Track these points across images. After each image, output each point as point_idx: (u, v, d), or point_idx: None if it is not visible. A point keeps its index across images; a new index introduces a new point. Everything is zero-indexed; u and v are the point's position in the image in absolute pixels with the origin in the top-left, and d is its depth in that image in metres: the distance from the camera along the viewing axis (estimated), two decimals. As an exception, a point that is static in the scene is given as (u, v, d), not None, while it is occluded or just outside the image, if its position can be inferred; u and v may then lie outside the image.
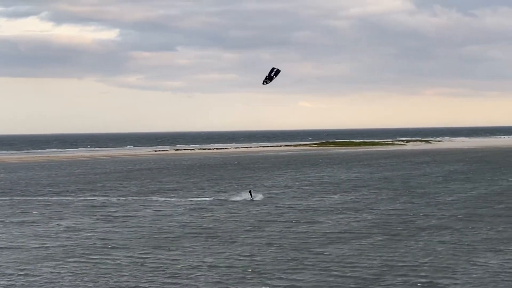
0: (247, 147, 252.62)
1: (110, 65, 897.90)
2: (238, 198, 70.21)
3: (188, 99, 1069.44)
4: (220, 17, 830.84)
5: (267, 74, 57.17)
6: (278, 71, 57.20)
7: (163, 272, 36.73)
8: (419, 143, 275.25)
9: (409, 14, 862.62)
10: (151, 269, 37.72)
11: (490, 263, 36.94)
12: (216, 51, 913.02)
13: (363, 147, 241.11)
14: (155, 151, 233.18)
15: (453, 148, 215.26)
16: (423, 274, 34.86)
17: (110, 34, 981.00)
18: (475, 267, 36.16)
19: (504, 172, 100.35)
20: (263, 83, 58.22)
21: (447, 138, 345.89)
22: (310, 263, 38.16)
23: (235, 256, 40.58)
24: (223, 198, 73.00)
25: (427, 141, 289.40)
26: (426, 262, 37.54)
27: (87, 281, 35.23)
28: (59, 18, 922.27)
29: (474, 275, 34.34)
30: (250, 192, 70.18)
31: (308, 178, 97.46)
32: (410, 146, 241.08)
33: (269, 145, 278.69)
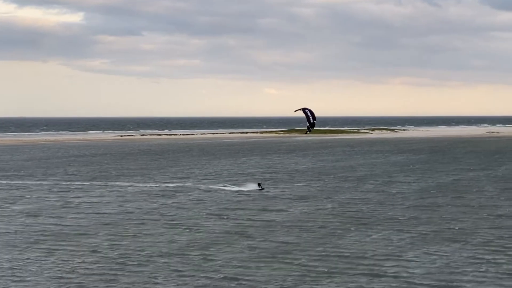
0: (213, 133, 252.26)
1: (74, 49, 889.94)
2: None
3: (154, 85, 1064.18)
4: (186, 2, 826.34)
5: (307, 124, 55.92)
6: (313, 114, 56.01)
7: (125, 259, 36.67)
8: (384, 131, 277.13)
9: (374, 2, 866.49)
10: (112, 256, 37.64)
11: (443, 252, 37.44)
12: (182, 37, 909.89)
13: (329, 135, 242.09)
14: (121, 136, 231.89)
15: (417, 137, 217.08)
16: (374, 263, 35.23)
17: (74, 18, 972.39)
18: (428, 255, 36.63)
19: (463, 162, 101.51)
20: (307, 132, 58.22)
21: (412, 127, 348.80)
22: (264, 251, 38.36)
23: (193, 244, 40.62)
24: (187, 184, 72.96)
25: (392, 130, 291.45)
26: (378, 251, 37.93)
27: (47, 268, 35.05)
28: (21, 0, 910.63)
29: (427, 265, 34.80)
30: (259, 184, 69.24)
31: (273, 166, 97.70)
32: (376, 135, 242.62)
33: (235, 131, 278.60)
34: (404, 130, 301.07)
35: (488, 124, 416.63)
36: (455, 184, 72.08)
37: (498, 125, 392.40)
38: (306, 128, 55.21)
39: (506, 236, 42.20)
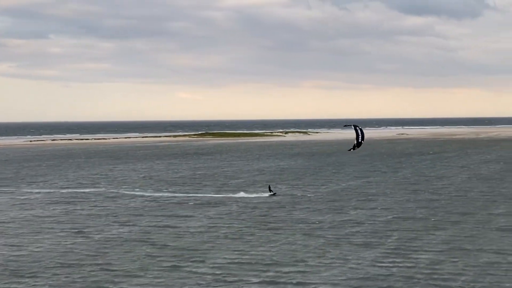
0: (125, 138, 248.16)
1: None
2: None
3: (64, 89, 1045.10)
4: (95, 5, 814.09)
5: (355, 142, 53.95)
6: (362, 134, 54.16)
7: (19, 269, 34.45)
8: (297, 134, 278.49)
9: (284, 6, 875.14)
10: (7, 265, 35.35)
11: (352, 257, 36.66)
12: (91, 40, 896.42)
13: (242, 138, 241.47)
14: (30, 141, 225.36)
15: (329, 139, 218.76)
16: (279, 269, 34.11)
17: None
18: (334, 260, 35.74)
19: (371, 165, 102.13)
20: (350, 150, 56.38)
21: (324, 130, 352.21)
22: (165, 258, 36.77)
23: (91, 252, 38.64)
24: (93, 190, 70.54)
25: (305, 133, 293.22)
26: (284, 257, 36.86)
27: None
28: None
29: (332, 270, 33.88)
30: (269, 188, 67.03)
31: (182, 169, 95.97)
32: (289, 137, 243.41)
33: (148, 135, 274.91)
34: (317, 132, 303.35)
35: (399, 126, 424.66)
36: (362, 187, 72.01)
37: (407, 127, 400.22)
38: (353, 146, 53.78)
39: (412, 237, 41.81)
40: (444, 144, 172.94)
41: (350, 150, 57.16)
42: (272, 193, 65.10)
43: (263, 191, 66.77)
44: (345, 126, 61.14)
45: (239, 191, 68.22)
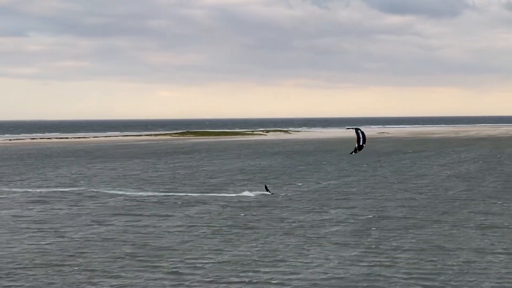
0: (105, 136, 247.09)
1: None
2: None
3: (43, 87, 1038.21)
4: (74, 3, 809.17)
5: (355, 145, 53.55)
6: (364, 137, 53.85)
7: (-13, 272, 34.06)
8: (278, 133, 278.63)
9: (265, 5, 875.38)
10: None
11: (332, 256, 36.61)
12: (71, 38, 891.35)
13: (223, 136, 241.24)
14: (9, 140, 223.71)
15: (310, 138, 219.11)
16: (256, 269, 33.98)
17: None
18: (313, 259, 35.68)
19: (351, 163, 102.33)
20: (352, 153, 56.05)
21: (305, 129, 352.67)
22: (140, 257, 36.52)
23: (66, 253, 38.31)
24: (65, 189, 70.04)
25: (286, 131, 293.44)
26: (262, 257, 36.74)
27: None
28: None
29: (310, 269, 33.81)
30: (266, 187, 66.35)
31: (163, 168, 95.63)
32: (270, 136, 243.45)
33: (128, 134, 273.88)
34: (298, 131, 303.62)
35: (380, 125, 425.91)
36: (343, 185, 72.06)
37: (387, 126, 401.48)
38: (354, 149, 53.48)
39: (391, 236, 41.82)
40: (423, 143, 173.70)
41: (351, 153, 57.25)
42: (269, 193, 64.38)
43: (245, 190, 66.62)
44: (348, 128, 61.25)
45: (220, 190, 68.04)
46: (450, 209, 53.23)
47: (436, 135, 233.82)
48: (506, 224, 46.10)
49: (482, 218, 48.59)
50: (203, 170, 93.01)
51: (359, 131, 53.27)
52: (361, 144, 52.83)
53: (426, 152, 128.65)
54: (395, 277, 31.98)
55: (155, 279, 32.05)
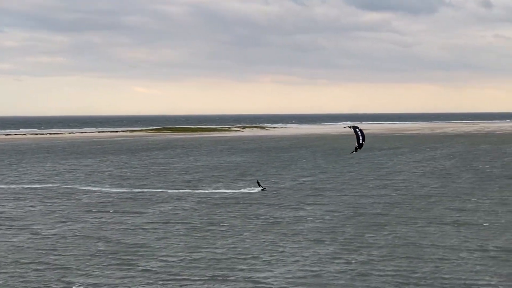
0: (81, 133, 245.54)
1: None
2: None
3: (16, 82, 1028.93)
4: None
5: (356, 144, 53.09)
6: (363, 135, 53.41)
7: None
8: (255, 129, 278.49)
9: (241, 1, 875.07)
10: None
11: (304, 252, 36.47)
12: (45, 34, 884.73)
13: (200, 133, 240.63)
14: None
15: (287, 134, 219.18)
16: (233, 265, 33.74)
17: None
18: (283, 256, 35.50)
19: (332, 158, 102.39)
20: (352, 152, 55.68)
21: (281, 125, 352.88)
22: (112, 255, 36.15)
23: (39, 250, 37.83)
24: (38, 186, 69.37)
25: (263, 128, 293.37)
26: (234, 254, 36.52)
27: None
28: None
29: (282, 266, 33.64)
30: (258, 183, 66.06)
31: (138, 165, 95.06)
32: (247, 132, 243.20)
33: (104, 130, 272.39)
34: (274, 128, 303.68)
35: (356, 122, 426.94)
36: (318, 182, 72.05)
37: (364, 123, 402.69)
38: (354, 148, 53.23)
39: (366, 232, 41.76)
40: (400, 139, 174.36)
41: (352, 152, 57.20)
42: (262, 188, 64.36)
43: (221, 187, 66.38)
44: (346, 127, 61.34)
45: (195, 186, 67.74)
46: (425, 206, 53.34)
47: (412, 132, 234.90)
48: (481, 221, 46.25)
49: (457, 215, 48.71)
50: (178, 166, 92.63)
51: (357, 129, 53.18)
52: (361, 142, 52.74)
53: (402, 149, 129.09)
54: (371, 273, 31.89)
55: (129, 277, 31.71)
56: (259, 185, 65.23)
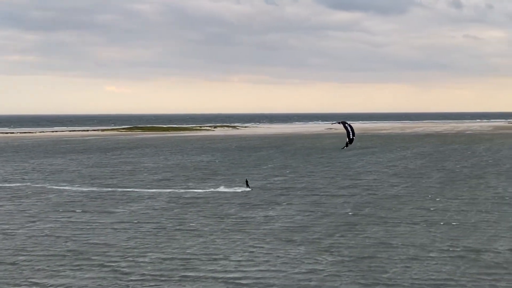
0: (52, 132, 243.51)
1: None
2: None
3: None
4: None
5: (347, 140, 52.71)
6: (352, 130, 53.02)
7: None
8: (226, 128, 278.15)
9: (212, 0, 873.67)
10: None
11: (279, 253, 36.40)
12: (16, 32, 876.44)
13: (171, 132, 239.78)
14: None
15: (258, 133, 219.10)
16: (204, 266, 33.58)
17: None
18: (255, 256, 35.42)
19: (304, 158, 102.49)
20: (343, 148, 55.40)
21: (252, 124, 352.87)
22: (81, 254, 35.81)
23: (13, 247, 37.36)
24: (5, 185, 68.60)
25: (234, 127, 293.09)
26: (205, 254, 36.36)
27: None
28: None
29: (253, 266, 33.56)
30: (246, 182, 65.64)
31: (109, 164, 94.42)
32: (218, 132, 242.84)
33: (75, 129, 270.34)
34: (245, 127, 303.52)
35: (327, 121, 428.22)
36: (290, 182, 72.06)
37: (334, 122, 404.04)
38: (345, 143, 53.00)
39: (338, 232, 41.81)
40: (370, 139, 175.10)
41: (343, 148, 57.28)
42: (249, 188, 64.13)
43: (190, 186, 66.14)
44: (333, 123, 61.24)
45: (165, 186, 67.41)
46: (396, 206, 53.54)
47: (383, 131, 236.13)
48: (450, 220, 46.52)
49: (427, 215, 48.95)
50: (148, 165, 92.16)
51: (346, 124, 53.22)
52: (351, 137, 52.82)
53: (373, 149, 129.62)
54: (341, 273, 31.90)
55: (98, 278, 31.41)
56: (247, 185, 65.03)
